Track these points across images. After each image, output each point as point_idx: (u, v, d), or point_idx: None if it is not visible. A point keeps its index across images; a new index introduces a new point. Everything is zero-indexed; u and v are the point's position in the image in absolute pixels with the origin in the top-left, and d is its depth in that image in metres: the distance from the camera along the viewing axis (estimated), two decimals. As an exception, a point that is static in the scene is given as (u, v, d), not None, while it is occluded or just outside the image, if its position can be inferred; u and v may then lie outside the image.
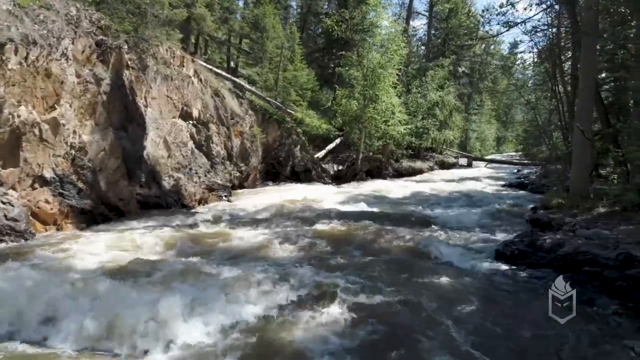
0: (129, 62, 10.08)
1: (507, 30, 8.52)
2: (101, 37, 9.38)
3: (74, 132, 8.21)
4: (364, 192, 16.23)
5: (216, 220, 9.52)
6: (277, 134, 17.52)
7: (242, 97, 16.33)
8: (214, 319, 4.37)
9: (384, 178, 22.64)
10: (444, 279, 5.87)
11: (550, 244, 6.59)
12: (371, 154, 21.98)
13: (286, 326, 4.52)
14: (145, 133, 10.41)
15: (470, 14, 21.10)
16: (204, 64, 15.60)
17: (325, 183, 18.37)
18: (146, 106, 10.76)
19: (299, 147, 18.06)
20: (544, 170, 22.56)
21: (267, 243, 7.58)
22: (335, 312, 4.81)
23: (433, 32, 31.99)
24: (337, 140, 21.65)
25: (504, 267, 6.60)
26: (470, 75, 36.26)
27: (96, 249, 6.41)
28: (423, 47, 34.10)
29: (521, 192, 18.28)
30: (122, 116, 9.61)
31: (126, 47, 10.04)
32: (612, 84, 14.42)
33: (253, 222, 9.58)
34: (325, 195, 14.26)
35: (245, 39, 23.45)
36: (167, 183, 10.86)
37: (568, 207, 8.85)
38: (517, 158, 41.41)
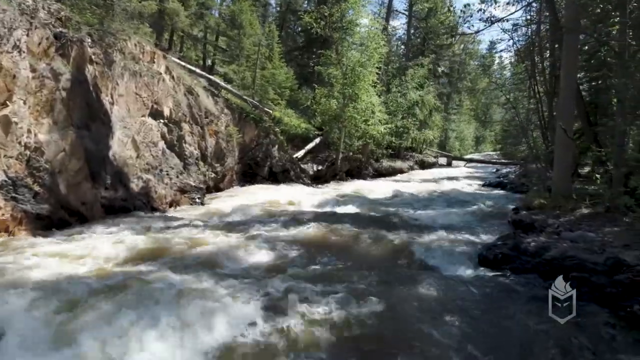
0: (93, 57, 9.44)
1: (489, 26, 8.30)
2: (60, 29, 8.74)
3: (29, 131, 7.57)
4: (344, 192, 15.91)
5: (187, 224, 8.98)
6: (254, 134, 17.00)
7: (218, 96, 15.77)
8: (167, 344, 3.89)
9: (364, 178, 22.43)
10: (427, 288, 5.53)
11: (535, 248, 6.34)
12: (351, 153, 21.70)
13: (255, 347, 4.10)
14: (111, 132, 9.79)
15: (451, 11, 20.98)
16: (177, 60, 14.99)
17: (304, 184, 17.95)
18: (112, 104, 10.14)
19: (276, 147, 17.60)
20: (523, 169, 22.69)
21: (239, 249, 7.11)
22: (311, 327, 4.42)
23: (412, 31, 31.93)
24: (317, 140, 21.29)
25: (488, 273, 6.31)
26: (450, 74, 36.39)
27: (43, 258, 5.83)
28: (403, 47, 34.01)
29: (501, 191, 18.28)
30: (85, 114, 8.98)
31: (89, 40, 9.41)
32: (589, 83, 14.46)
33: (226, 226, 9.09)
34: (303, 197, 13.86)
35: (222, 36, 22.82)
36: (135, 185, 10.27)
37: (550, 208, 8.67)
38: (496, 157, 41.93)
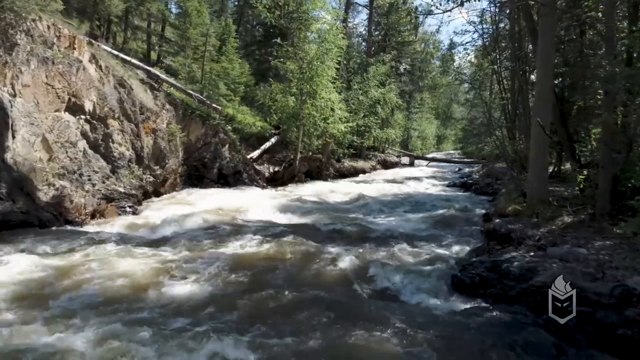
0: (-18, 37, 7.66)
1: (459, 5, 7.18)
2: None
3: None
4: (301, 196, 14.58)
5: (102, 242, 7.37)
6: (201, 132, 15.31)
7: (158, 90, 14.01)
8: None
9: (325, 179, 21.22)
10: (389, 327, 4.29)
11: (519, 269, 5.22)
12: (310, 153, 20.41)
13: None
14: (9, 130, 8.01)
15: None
16: (109, 49, 13.14)
17: (258, 186, 16.47)
18: (14, 95, 8.36)
19: (227, 146, 16.00)
20: (486, 169, 22.17)
21: (159, 277, 5.64)
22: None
23: (374, 27, 30.98)
24: (273, 139, 19.86)
25: (464, 302, 5.13)
26: (412, 72, 35.79)
27: None
28: (364, 43, 33.06)
29: (465, 193, 17.51)
30: (-34, 107, 7.21)
31: (-24, 16, 7.62)
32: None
33: (153, 243, 7.56)
34: (255, 202, 12.41)
35: (168, 26, 20.90)
36: (44, 194, 8.50)
37: (527, 215, 7.66)
38: (457, 156, 41.87)
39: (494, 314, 4.67)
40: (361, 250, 7.20)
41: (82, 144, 10.01)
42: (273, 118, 20.36)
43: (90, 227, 8.66)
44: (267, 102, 19.71)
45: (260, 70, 26.99)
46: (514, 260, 5.54)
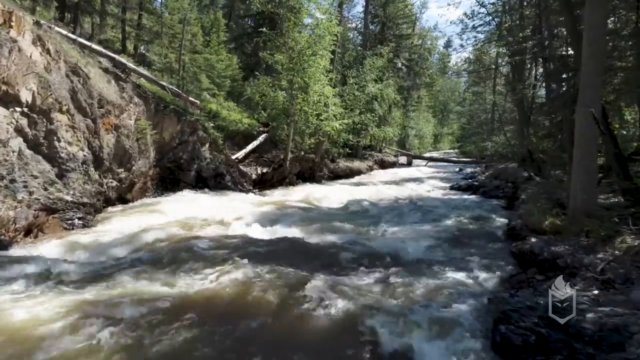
0: None
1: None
2: None
3: None
4: (290, 202, 12.85)
5: (20, 272, 5.56)
6: (177, 130, 13.49)
7: (125, 81, 12.19)
8: None
9: (319, 181, 19.53)
10: None
11: (599, 328, 3.47)
12: (302, 153, 18.66)
13: None
14: None
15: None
16: (64, 32, 11.27)
17: (243, 190, 14.66)
18: None
19: (207, 145, 14.19)
20: (493, 169, 20.52)
21: (61, 338, 3.84)
22: None
23: (370, 19, 29.24)
24: (261, 138, 18.12)
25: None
26: (410, 67, 34.09)
27: None
28: (360, 37, 31.30)
29: (472, 196, 15.81)
30: None
31: None
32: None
33: (86, 273, 5.76)
34: (234, 211, 10.61)
35: (145, 12, 19.03)
36: (-45, 206, 6.69)
37: (572, 234, 5.94)
38: (455, 155, 40.37)
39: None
40: (359, 282, 5.43)
41: (17, 142, 8.15)
42: (262, 115, 18.61)
43: (16, 249, 6.80)
44: (255, 98, 17.91)
45: (250, 64, 25.29)
46: (584, 308, 3.79)
